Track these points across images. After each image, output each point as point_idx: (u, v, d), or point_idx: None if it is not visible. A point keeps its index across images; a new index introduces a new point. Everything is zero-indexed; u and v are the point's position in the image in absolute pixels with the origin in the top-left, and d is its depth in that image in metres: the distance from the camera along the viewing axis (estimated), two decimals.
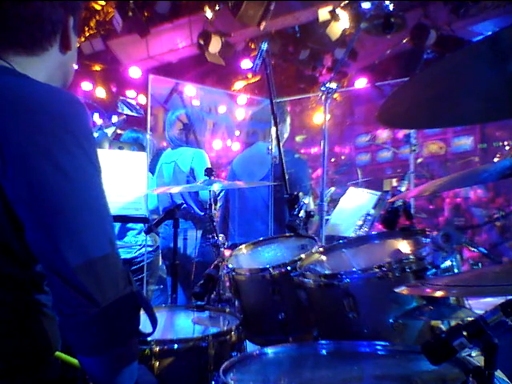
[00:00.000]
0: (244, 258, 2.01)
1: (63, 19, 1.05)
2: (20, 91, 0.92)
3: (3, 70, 0.99)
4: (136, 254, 3.21)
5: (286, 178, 2.33)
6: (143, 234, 3.22)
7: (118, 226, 3.18)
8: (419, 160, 4.50)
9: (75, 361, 1.01)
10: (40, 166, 0.87)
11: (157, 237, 3.37)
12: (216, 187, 2.16)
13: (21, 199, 0.87)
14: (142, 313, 0.97)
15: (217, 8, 4.77)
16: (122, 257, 3.04)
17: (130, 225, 3.18)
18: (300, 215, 1.97)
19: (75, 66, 1.18)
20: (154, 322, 0.99)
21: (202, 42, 4.96)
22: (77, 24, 1.11)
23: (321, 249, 1.74)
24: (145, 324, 0.98)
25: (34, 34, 1.01)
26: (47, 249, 0.88)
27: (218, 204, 2.94)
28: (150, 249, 3.29)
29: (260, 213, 3.34)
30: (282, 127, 3.23)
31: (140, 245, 3.22)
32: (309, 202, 2.08)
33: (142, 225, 3.13)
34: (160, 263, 3.48)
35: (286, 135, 3.40)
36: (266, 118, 3.31)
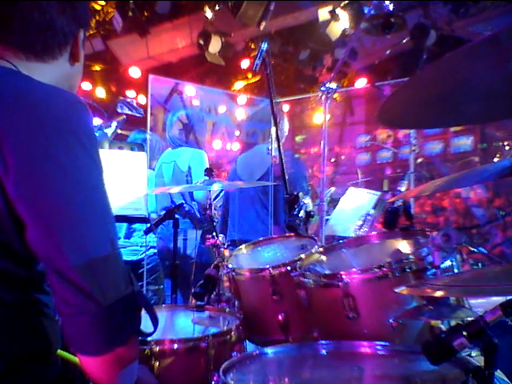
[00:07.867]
0: (244, 258, 2.01)
1: (75, 32, 1.09)
2: (23, 91, 0.92)
3: (7, 71, 1.00)
4: (142, 255, 3.17)
5: (286, 178, 2.33)
6: (150, 235, 3.19)
7: (124, 226, 3.15)
8: (419, 160, 4.50)
9: (76, 359, 1.01)
10: (42, 166, 0.87)
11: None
12: (216, 187, 2.16)
13: (23, 198, 0.88)
14: (143, 312, 0.97)
15: (217, 8, 4.75)
16: (128, 259, 3.02)
17: (135, 226, 3.15)
18: (300, 215, 1.97)
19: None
20: (155, 321, 0.99)
21: (201, 42, 4.95)
22: (84, 38, 1.15)
23: (321, 249, 1.74)
24: (146, 324, 0.98)
25: (46, 42, 1.04)
26: (48, 247, 0.88)
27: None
28: (155, 250, 3.25)
29: (260, 212, 3.34)
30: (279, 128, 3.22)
31: (145, 246, 3.19)
32: (308, 202, 2.08)
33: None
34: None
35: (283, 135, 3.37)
36: (266, 118, 3.31)
